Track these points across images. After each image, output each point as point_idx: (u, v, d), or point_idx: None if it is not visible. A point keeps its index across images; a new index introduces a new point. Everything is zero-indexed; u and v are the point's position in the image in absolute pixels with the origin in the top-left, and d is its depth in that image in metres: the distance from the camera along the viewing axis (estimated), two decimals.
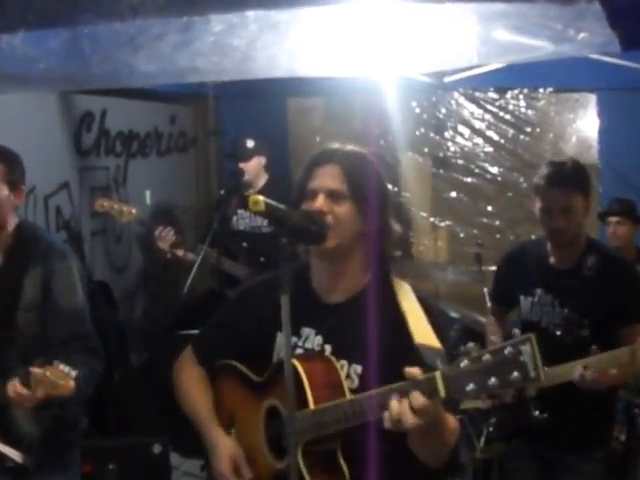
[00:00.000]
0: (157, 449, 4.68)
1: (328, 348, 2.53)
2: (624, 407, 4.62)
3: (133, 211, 5.56)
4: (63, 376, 2.83)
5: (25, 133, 5.10)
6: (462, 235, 7.10)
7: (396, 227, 2.54)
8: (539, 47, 2.68)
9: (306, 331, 2.59)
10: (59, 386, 2.82)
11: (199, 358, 2.85)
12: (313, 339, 2.57)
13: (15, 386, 2.94)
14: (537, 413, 3.67)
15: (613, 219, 5.53)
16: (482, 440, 4.31)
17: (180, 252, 5.71)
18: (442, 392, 2.04)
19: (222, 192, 6.12)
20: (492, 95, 6.96)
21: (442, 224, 7.17)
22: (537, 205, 3.66)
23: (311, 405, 2.36)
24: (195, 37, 2.77)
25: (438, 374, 2.06)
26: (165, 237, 5.62)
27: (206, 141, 7.86)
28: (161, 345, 6.38)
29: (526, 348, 1.92)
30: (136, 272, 6.90)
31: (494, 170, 7.04)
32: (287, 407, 2.29)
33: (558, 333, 3.69)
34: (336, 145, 2.58)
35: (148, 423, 5.85)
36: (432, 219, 7.16)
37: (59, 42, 2.84)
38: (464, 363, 2.00)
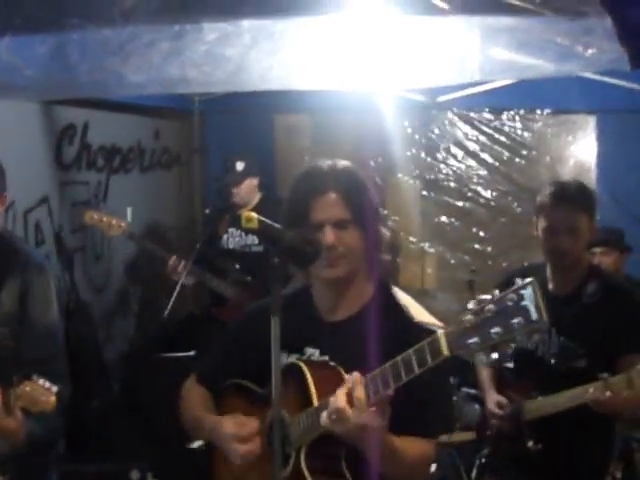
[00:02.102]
0: (135, 475, 4.64)
1: (326, 362, 2.57)
2: (621, 442, 4.59)
3: (122, 224, 5.66)
4: (44, 391, 2.79)
5: (4, 144, 5.05)
6: (452, 261, 7.04)
7: (384, 231, 2.64)
8: (544, 64, 2.68)
9: (310, 351, 2.63)
10: (40, 402, 2.78)
11: (202, 383, 2.91)
12: (318, 358, 2.60)
13: None
14: (531, 444, 3.66)
15: (597, 250, 5.43)
16: (474, 473, 4.27)
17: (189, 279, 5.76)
18: (445, 350, 2.08)
19: (207, 211, 6.14)
20: (487, 116, 6.93)
21: (431, 250, 7.12)
22: (540, 225, 3.67)
23: (315, 403, 2.40)
24: (186, 46, 2.76)
25: (441, 333, 2.11)
26: (178, 270, 5.68)
27: (190, 158, 7.82)
28: (141, 369, 6.35)
29: (527, 292, 1.96)
30: (116, 292, 6.83)
31: (487, 194, 7.00)
32: (288, 411, 2.35)
33: (553, 362, 3.67)
34: (325, 165, 2.60)
35: (127, 449, 5.78)
36: (421, 244, 7.11)
37: (45, 49, 2.82)
38: (467, 318, 2.03)
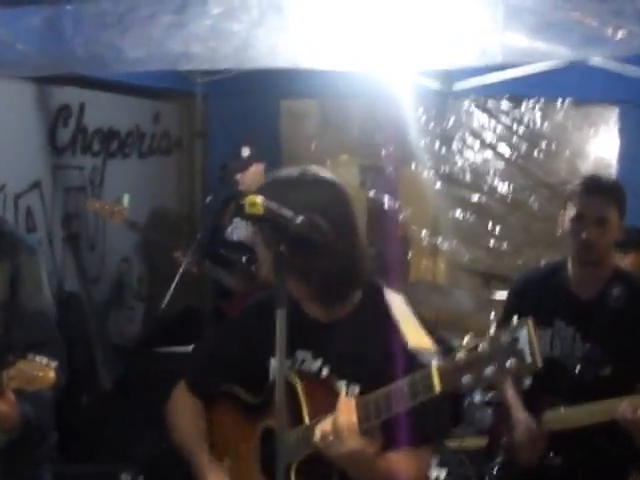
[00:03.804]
0: (126, 478, 4.60)
1: (326, 369, 2.56)
2: None
3: (124, 212, 5.68)
4: (41, 367, 2.76)
5: None
6: (466, 258, 6.98)
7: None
8: (569, 47, 2.61)
9: (301, 354, 2.61)
10: (37, 379, 2.75)
11: (193, 391, 2.91)
12: (311, 362, 2.60)
13: None
14: (551, 455, 3.61)
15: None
16: None
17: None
18: (437, 387, 2.12)
19: (209, 199, 6.09)
20: (505, 105, 6.83)
21: (444, 245, 7.05)
22: (568, 214, 3.62)
23: (306, 421, 2.42)
24: (190, 20, 2.69)
25: (434, 369, 2.14)
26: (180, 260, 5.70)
27: (192, 143, 7.74)
28: (135, 363, 6.32)
29: (523, 333, 2.00)
30: (110, 283, 6.78)
31: (504, 188, 6.92)
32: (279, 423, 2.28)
33: (577, 370, 3.63)
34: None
35: (118, 449, 5.75)
36: (434, 239, 7.03)
37: (38, 21, 2.77)
38: (459, 355, 2.07)
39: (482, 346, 2.04)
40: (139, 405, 5.76)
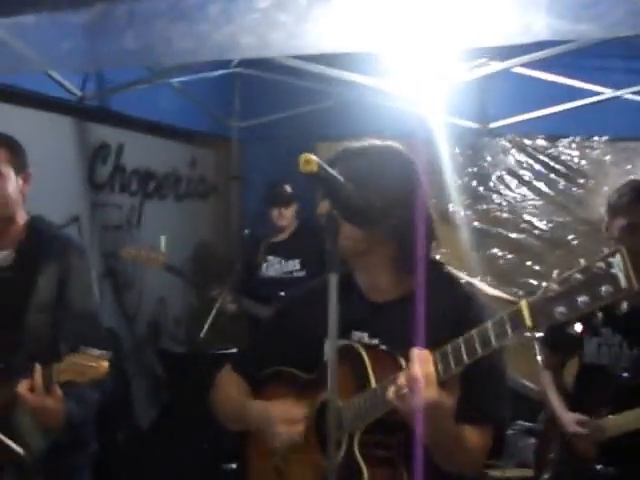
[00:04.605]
0: None
1: (383, 348, 2.54)
2: None
3: (161, 257, 5.81)
4: (94, 358, 2.79)
5: (36, 158, 5.09)
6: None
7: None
8: (615, 25, 2.62)
9: (357, 334, 2.59)
10: (90, 369, 2.78)
11: (238, 370, 2.89)
12: (367, 341, 2.57)
13: (29, 382, 2.88)
14: (601, 467, 3.58)
15: None
16: None
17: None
18: (528, 321, 2.06)
19: (246, 231, 6.19)
20: (542, 143, 6.89)
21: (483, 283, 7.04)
22: (617, 224, 3.65)
23: (373, 385, 2.39)
24: (238, 12, 2.75)
25: (523, 303, 2.08)
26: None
27: (227, 187, 7.83)
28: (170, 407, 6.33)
29: (616, 260, 1.97)
30: (147, 323, 6.81)
31: (542, 225, 6.93)
32: (340, 395, 2.29)
33: (625, 377, 3.63)
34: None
35: None
36: (472, 278, 7.01)
37: (88, 16, 2.83)
38: (551, 286, 2.04)
39: (574, 276, 2.01)
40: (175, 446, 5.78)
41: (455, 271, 2.64)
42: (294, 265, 6.07)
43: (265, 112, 7.28)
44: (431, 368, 2.20)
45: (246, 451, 2.85)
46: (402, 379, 2.21)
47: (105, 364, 2.80)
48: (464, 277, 2.63)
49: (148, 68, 5.83)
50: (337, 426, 2.28)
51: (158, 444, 5.98)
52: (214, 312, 5.69)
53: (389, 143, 2.60)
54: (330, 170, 2.25)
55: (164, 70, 5.84)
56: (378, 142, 2.59)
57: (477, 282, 2.54)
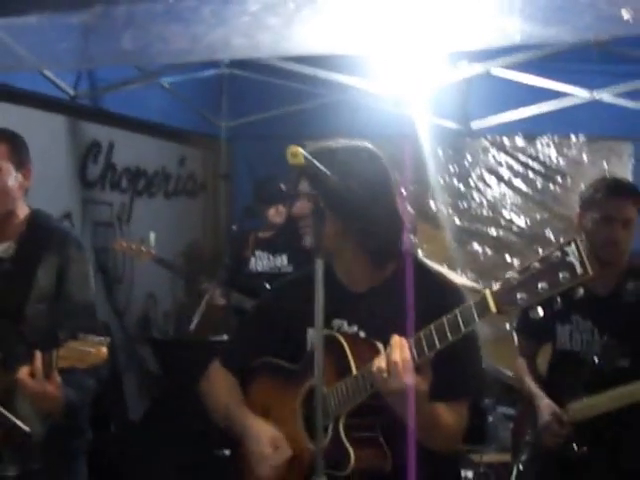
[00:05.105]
0: None
1: (362, 335, 2.68)
2: None
3: (152, 251, 5.91)
4: (93, 344, 2.83)
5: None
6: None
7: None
8: (582, 29, 2.78)
9: (337, 322, 2.71)
10: (89, 354, 2.82)
11: (226, 365, 3.00)
12: (347, 328, 2.70)
13: (29, 369, 2.93)
14: (576, 447, 3.72)
15: None
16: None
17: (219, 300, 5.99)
18: (493, 307, 2.22)
19: (234, 226, 6.29)
20: (521, 142, 7.06)
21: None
22: (591, 217, 3.79)
23: (354, 372, 2.51)
24: (230, 15, 2.90)
25: (488, 292, 2.24)
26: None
27: (216, 185, 7.96)
28: (161, 398, 6.43)
29: (571, 249, 2.12)
30: (136, 318, 6.95)
31: (521, 222, 7.10)
32: (321, 375, 2.37)
33: (597, 362, 3.76)
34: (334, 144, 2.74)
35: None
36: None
37: (87, 17, 2.98)
38: (512, 275, 2.19)
39: (534, 265, 2.17)
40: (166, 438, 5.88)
41: (427, 260, 2.79)
42: (282, 260, 6.16)
43: (253, 112, 7.42)
44: (408, 353, 2.35)
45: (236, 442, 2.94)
46: (382, 364, 2.37)
47: (104, 350, 2.84)
48: (435, 266, 2.77)
49: (137, 67, 5.97)
50: (323, 412, 2.42)
51: (150, 436, 6.08)
52: (203, 305, 5.78)
53: (358, 141, 2.74)
54: (316, 162, 2.40)
55: (155, 70, 5.98)
56: (347, 141, 2.74)
57: (445, 270, 2.69)
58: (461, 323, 2.31)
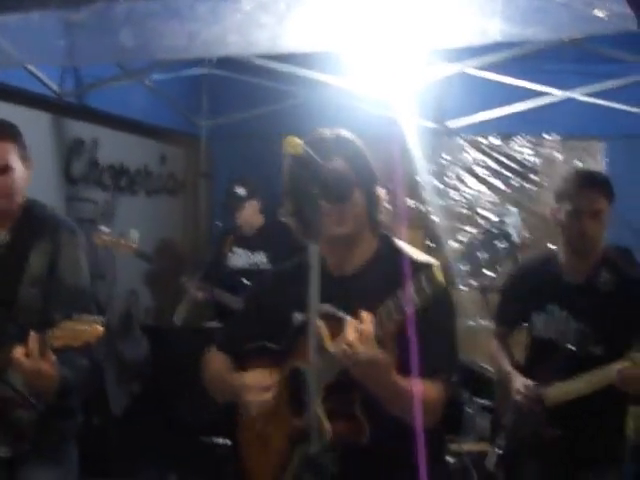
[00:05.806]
0: None
1: (340, 315, 2.75)
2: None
3: (133, 245, 6.03)
4: (88, 322, 2.93)
5: None
6: (462, 287, 7.19)
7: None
8: (558, 29, 2.92)
9: (322, 307, 2.76)
10: (84, 332, 2.92)
11: (222, 349, 3.15)
12: (327, 310, 2.76)
13: (24, 348, 3.01)
14: (550, 430, 3.86)
15: None
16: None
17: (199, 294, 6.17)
18: (440, 277, 2.38)
19: (218, 223, 6.45)
20: (496, 141, 7.18)
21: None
22: (564, 208, 3.92)
23: (329, 349, 2.61)
24: (225, 13, 3.03)
25: (436, 264, 2.39)
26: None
27: (196, 184, 8.02)
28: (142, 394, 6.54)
29: (510, 220, 2.29)
30: (118, 314, 7.02)
31: (497, 220, 7.17)
32: (304, 363, 2.53)
33: (571, 349, 3.88)
34: (329, 133, 2.93)
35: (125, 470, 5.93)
36: None
37: (87, 14, 3.08)
38: (457, 248, 2.37)
39: (476, 236, 2.34)
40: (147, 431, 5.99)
41: (398, 241, 2.94)
42: (260, 258, 6.33)
43: (233, 111, 7.52)
44: (369, 326, 2.48)
45: (235, 427, 3.09)
46: (346, 338, 2.49)
47: (99, 327, 2.93)
48: (404, 246, 2.92)
49: (119, 65, 6.05)
50: (303, 389, 2.55)
51: (133, 429, 6.18)
52: (185, 300, 5.91)
53: (344, 131, 2.92)
54: (312, 152, 2.51)
55: (138, 68, 6.06)
56: (330, 131, 2.91)
57: (409, 249, 2.83)
58: (415, 295, 2.42)
